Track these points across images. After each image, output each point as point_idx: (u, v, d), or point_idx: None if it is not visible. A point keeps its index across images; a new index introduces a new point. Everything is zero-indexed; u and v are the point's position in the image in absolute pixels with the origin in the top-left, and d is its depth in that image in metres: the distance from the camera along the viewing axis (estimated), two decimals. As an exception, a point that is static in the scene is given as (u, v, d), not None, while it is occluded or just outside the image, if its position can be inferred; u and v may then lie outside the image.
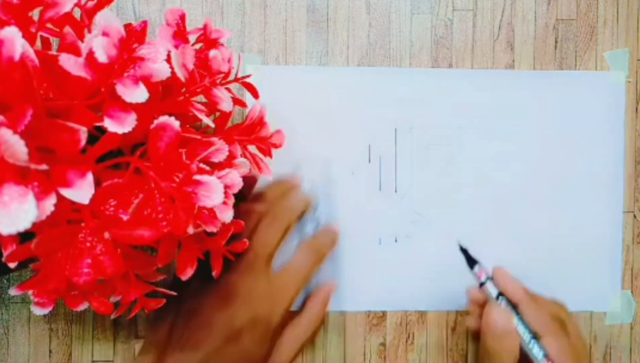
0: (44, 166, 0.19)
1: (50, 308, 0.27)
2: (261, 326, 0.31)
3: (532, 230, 0.39)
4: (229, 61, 0.30)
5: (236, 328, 0.30)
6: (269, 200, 0.35)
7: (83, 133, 0.20)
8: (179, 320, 0.31)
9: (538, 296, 0.35)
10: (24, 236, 0.21)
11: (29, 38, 0.22)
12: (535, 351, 0.32)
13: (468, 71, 0.39)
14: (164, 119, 0.22)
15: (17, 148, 0.17)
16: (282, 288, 0.32)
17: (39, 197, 0.19)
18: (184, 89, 0.27)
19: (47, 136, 0.20)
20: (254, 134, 0.32)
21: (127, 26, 0.26)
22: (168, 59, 0.24)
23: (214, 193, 0.23)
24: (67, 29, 0.24)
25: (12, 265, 0.23)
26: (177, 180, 0.23)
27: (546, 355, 0.32)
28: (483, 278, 0.35)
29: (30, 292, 0.26)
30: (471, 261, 0.36)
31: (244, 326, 0.30)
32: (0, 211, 0.18)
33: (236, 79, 0.32)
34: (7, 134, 0.17)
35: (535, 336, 0.33)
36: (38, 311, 0.27)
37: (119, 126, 0.21)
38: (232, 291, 0.31)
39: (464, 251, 0.36)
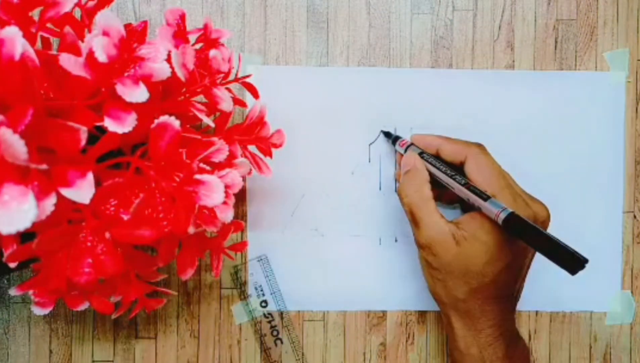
0: (44, 166, 0.19)
1: (50, 308, 0.27)
2: None
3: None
4: (229, 60, 0.30)
5: None
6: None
7: (83, 133, 0.20)
8: None
9: (453, 138, 0.36)
10: (25, 236, 0.21)
11: (30, 38, 0.22)
12: (453, 183, 0.33)
13: (468, 71, 0.39)
14: (164, 119, 0.22)
15: (17, 148, 0.17)
16: None
17: (39, 197, 0.19)
18: (184, 89, 0.27)
19: (47, 135, 0.20)
20: (254, 134, 0.32)
21: (127, 26, 0.26)
22: (168, 59, 0.24)
23: (215, 193, 0.23)
24: (68, 29, 0.24)
25: (12, 265, 0.23)
26: (178, 180, 0.23)
27: (465, 184, 0.32)
28: (405, 146, 0.37)
29: (30, 292, 0.26)
30: (395, 139, 0.38)
31: None
32: (1, 211, 0.18)
33: (236, 79, 0.32)
34: (7, 133, 0.17)
35: (457, 168, 0.34)
36: (38, 311, 0.27)
37: (119, 125, 0.21)
38: None
39: (386, 133, 0.38)
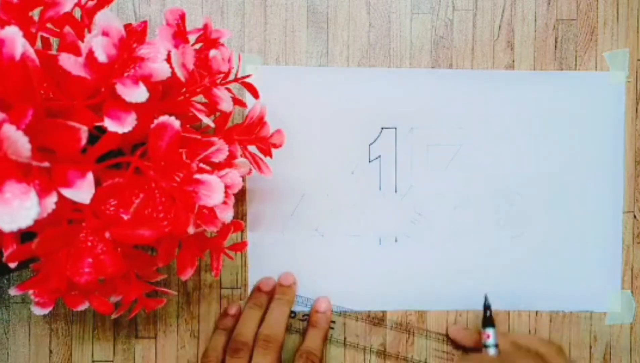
0: (46, 163, 0.19)
1: (50, 308, 0.27)
2: None
3: (532, 230, 0.39)
4: (229, 61, 0.30)
5: None
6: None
7: (83, 133, 0.20)
8: None
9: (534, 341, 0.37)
10: (25, 236, 0.21)
11: (30, 38, 0.22)
12: None
13: (468, 71, 0.39)
14: (164, 119, 0.22)
15: (20, 144, 0.17)
16: None
17: (41, 195, 0.19)
18: (184, 89, 0.27)
19: (47, 135, 0.20)
20: (254, 134, 0.32)
21: (127, 26, 0.26)
22: (168, 59, 0.24)
23: (215, 193, 0.23)
24: (67, 29, 0.24)
25: (12, 265, 0.23)
26: (178, 180, 0.23)
27: None
28: (489, 341, 0.37)
29: (30, 292, 0.26)
30: (488, 321, 0.37)
31: None
32: (2, 208, 0.18)
33: (236, 79, 0.32)
34: (11, 130, 0.17)
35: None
36: (38, 311, 0.27)
37: (119, 125, 0.21)
38: None
39: (487, 309, 0.37)
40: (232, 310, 0.38)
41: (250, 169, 0.32)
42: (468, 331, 0.39)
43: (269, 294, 0.38)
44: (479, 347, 0.37)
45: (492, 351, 0.36)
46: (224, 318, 0.38)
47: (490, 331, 0.37)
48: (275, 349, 0.35)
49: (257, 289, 0.39)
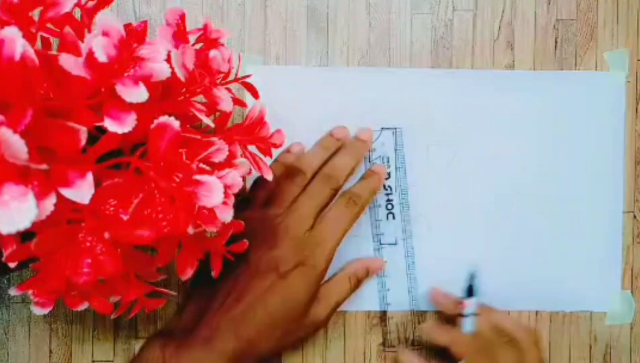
0: (44, 166, 0.19)
1: (50, 308, 0.27)
2: (307, 270, 0.32)
3: (532, 230, 0.39)
4: (229, 61, 0.30)
5: (284, 270, 0.32)
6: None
7: (83, 133, 0.20)
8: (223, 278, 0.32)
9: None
10: (24, 236, 0.21)
11: (29, 38, 0.22)
12: None
13: (468, 71, 0.39)
14: (164, 119, 0.22)
15: (17, 148, 0.17)
16: (325, 236, 0.33)
17: (39, 197, 0.19)
18: (184, 89, 0.27)
19: (47, 136, 0.20)
20: (254, 134, 0.32)
21: (127, 26, 0.26)
22: (168, 59, 0.24)
23: (214, 193, 0.23)
24: (67, 29, 0.24)
25: (12, 265, 0.23)
26: (177, 180, 0.23)
27: None
28: (466, 311, 0.36)
29: (30, 292, 0.26)
30: (468, 291, 0.37)
31: (290, 268, 0.32)
32: (0, 211, 0.18)
33: (236, 79, 0.32)
34: (7, 133, 0.17)
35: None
36: (38, 311, 0.27)
37: (119, 126, 0.21)
38: (279, 235, 0.32)
39: (472, 278, 0.38)
40: (296, 148, 0.37)
41: (250, 169, 0.32)
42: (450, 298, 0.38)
43: (340, 141, 0.37)
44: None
45: (468, 325, 0.36)
46: (286, 153, 0.37)
47: (468, 301, 0.37)
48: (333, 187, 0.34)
49: (329, 133, 0.37)
